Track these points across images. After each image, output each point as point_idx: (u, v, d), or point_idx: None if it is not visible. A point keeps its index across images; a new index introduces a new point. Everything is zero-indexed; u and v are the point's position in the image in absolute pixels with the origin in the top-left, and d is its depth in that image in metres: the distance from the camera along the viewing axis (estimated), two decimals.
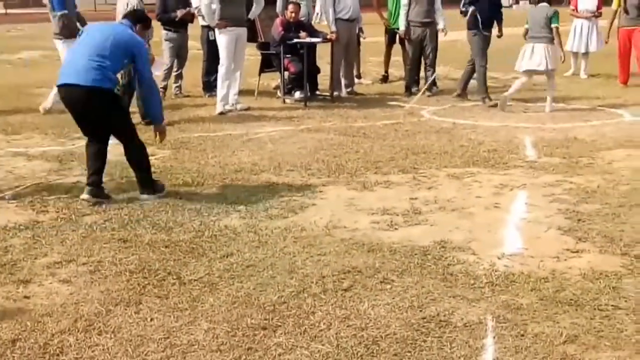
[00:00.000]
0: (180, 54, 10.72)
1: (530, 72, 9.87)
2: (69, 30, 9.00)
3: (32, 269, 4.43)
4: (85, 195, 5.70)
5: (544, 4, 9.77)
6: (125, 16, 6.19)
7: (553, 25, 9.49)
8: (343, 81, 11.25)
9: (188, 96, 10.97)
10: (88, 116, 5.71)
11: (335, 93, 10.92)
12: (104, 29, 5.97)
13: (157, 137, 6.05)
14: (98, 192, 5.73)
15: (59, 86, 5.75)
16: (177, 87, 11.02)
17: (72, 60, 5.79)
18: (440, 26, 11.11)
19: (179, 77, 11.04)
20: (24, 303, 3.96)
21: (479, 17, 10.22)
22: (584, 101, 10.55)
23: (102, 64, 5.55)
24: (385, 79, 12.90)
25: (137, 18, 6.09)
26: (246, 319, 3.73)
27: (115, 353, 3.41)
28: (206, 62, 11.07)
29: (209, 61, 10.87)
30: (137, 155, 5.86)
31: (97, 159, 5.78)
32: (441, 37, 11.33)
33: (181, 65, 10.91)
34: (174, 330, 3.64)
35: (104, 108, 5.64)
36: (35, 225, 5.22)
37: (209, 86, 10.93)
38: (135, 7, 8.49)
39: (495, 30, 10.58)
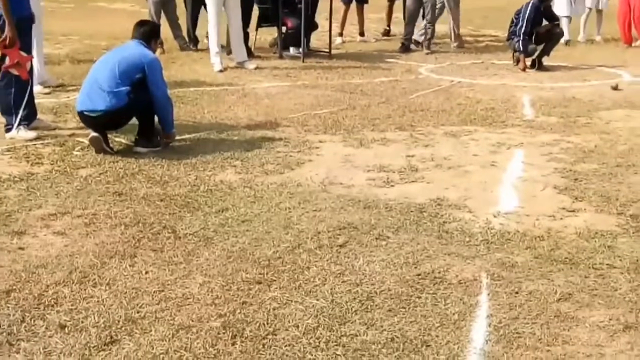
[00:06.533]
0: (165, 8, 10.50)
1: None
2: None
3: (27, 220, 4.41)
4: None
5: None
6: (137, 37, 5.98)
7: None
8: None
9: (184, 49, 10.81)
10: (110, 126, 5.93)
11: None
12: (115, 54, 5.95)
13: (165, 140, 5.99)
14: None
15: (79, 112, 5.87)
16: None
17: (87, 87, 5.83)
18: None
19: (178, 29, 10.83)
20: (18, 254, 3.95)
21: None
22: (583, 61, 10.47)
23: (116, 88, 5.63)
24: (387, 32, 12.86)
25: (148, 36, 6.02)
26: (241, 273, 3.73)
27: (110, 305, 3.41)
28: (192, 13, 10.85)
29: (195, 12, 10.73)
30: (145, 109, 5.85)
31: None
32: None
33: (171, 20, 10.63)
34: (169, 283, 3.64)
35: (126, 117, 5.86)
36: (30, 177, 5.18)
37: (196, 39, 10.87)
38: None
39: None
